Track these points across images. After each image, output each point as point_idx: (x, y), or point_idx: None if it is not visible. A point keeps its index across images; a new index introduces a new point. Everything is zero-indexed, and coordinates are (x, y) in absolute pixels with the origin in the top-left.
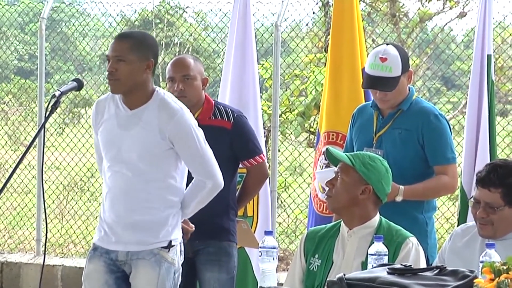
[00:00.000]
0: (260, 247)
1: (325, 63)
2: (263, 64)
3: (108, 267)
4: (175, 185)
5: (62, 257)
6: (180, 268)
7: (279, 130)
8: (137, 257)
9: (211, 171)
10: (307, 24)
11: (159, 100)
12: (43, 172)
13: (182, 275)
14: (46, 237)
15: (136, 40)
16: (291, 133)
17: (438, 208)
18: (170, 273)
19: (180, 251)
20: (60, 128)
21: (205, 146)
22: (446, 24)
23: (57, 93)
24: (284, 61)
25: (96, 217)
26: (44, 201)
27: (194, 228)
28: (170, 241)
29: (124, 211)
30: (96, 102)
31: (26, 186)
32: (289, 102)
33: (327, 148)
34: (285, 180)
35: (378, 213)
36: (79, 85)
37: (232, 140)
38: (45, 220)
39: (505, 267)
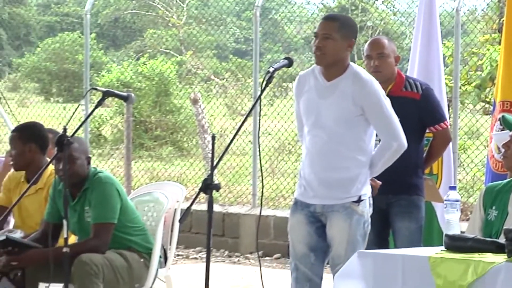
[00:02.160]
0: (445, 200)
1: (499, 42)
2: (445, 43)
3: (308, 219)
4: (365, 146)
5: (274, 209)
6: (369, 219)
7: (459, 100)
8: (332, 210)
9: (396, 134)
10: (482, 9)
11: (353, 73)
12: (259, 137)
13: (377, 224)
14: (262, 192)
15: (341, 21)
16: (469, 102)
17: None
18: (360, 223)
19: (369, 204)
20: (271, 99)
21: (391, 112)
22: None
23: (271, 69)
24: (464, 40)
25: None
26: (260, 161)
27: (379, 184)
28: (360, 196)
29: (321, 170)
30: (298, 76)
31: (243, 149)
32: (467, 76)
33: (502, 115)
34: (465, 143)
35: None
36: (290, 63)
37: (420, 109)
38: (260, 177)
39: None
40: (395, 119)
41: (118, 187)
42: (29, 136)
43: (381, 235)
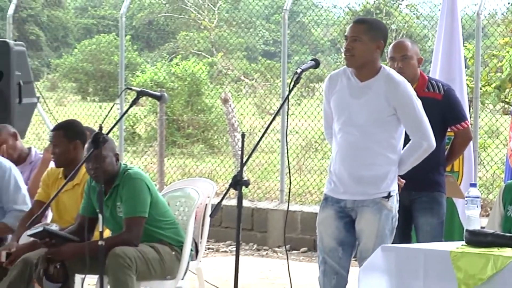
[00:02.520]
0: (466, 197)
1: None
2: (466, 46)
3: (338, 214)
4: (395, 145)
5: (301, 204)
6: (397, 214)
7: (479, 101)
8: (362, 205)
9: (427, 134)
10: (502, 13)
11: (386, 75)
12: (287, 135)
13: (400, 220)
14: (290, 188)
15: (370, 24)
16: (489, 103)
17: None
18: (389, 218)
19: (397, 200)
20: (298, 99)
21: (422, 112)
22: None
23: (298, 70)
24: (484, 43)
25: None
26: (287, 158)
27: (403, 183)
28: (389, 192)
29: (352, 166)
30: (329, 76)
31: (272, 146)
32: (487, 77)
33: None
34: (485, 142)
35: None
36: (317, 64)
37: (442, 109)
38: (288, 174)
39: None
40: (426, 120)
41: (148, 182)
42: (73, 134)
43: (404, 230)
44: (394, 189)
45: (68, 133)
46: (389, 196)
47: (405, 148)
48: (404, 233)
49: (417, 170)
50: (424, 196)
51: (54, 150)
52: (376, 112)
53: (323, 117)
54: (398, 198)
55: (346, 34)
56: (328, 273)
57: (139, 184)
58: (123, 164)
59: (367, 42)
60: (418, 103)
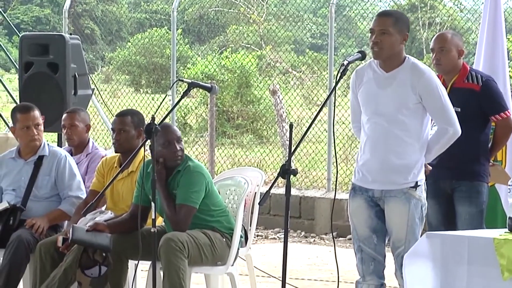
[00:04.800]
0: (509, 185)
1: None
2: (509, 38)
3: (368, 203)
4: (422, 133)
5: (347, 193)
6: (425, 203)
7: None
8: (390, 195)
9: (452, 120)
10: None
11: (410, 64)
12: (333, 126)
13: (444, 206)
14: (336, 177)
15: (396, 17)
16: None
17: None
18: (418, 207)
19: (425, 189)
20: (345, 90)
21: (447, 99)
22: None
23: (345, 62)
24: None
25: None
26: (334, 148)
27: (430, 170)
28: (417, 182)
29: (381, 155)
30: (355, 70)
31: (319, 137)
32: None
33: None
34: None
35: None
36: (363, 56)
37: (480, 99)
38: (335, 163)
39: None
40: (451, 107)
41: (206, 175)
42: (139, 121)
43: (449, 216)
44: (422, 178)
45: (135, 119)
46: (416, 185)
47: (431, 135)
48: (448, 220)
49: (457, 160)
50: (463, 186)
51: (118, 135)
52: (402, 101)
53: (351, 111)
54: (426, 187)
55: (372, 27)
56: (366, 260)
57: (197, 176)
58: (186, 155)
59: (395, 34)
60: (443, 91)
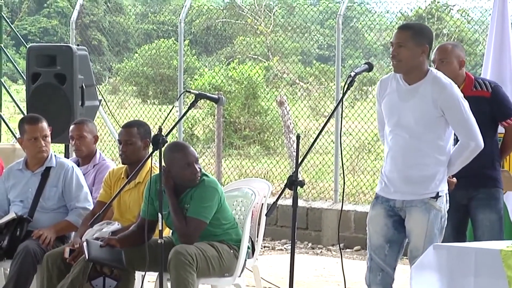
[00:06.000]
0: None
1: None
2: None
3: (387, 213)
4: (443, 146)
5: (354, 204)
6: (446, 214)
7: None
8: (411, 205)
9: (474, 134)
10: None
11: (433, 77)
12: (341, 137)
13: (455, 218)
14: (344, 188)
15: (414, 30)
16: None
17: None
18: (438, 218)
19: (446, 200)
20: (352, 102)
21: (469, 113)
22: None
23: (352, 74)
24: None
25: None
26: (341, 159)
27: (455, 182)
28: (438, 193)
29: (402, 167)
30: (380, 80)
31: (326, 148)
32: None
33: None
34: None
35: None
36: (370, 67)
37: (491, 105)
38: (342, 175)
39: None
40: (473, 120)
41: (220, 191)
42: (146, 132)
43: (459, 229)
44: (443, 189)
45: (141, 130)
46: (437, 196)
47: (453, 149)
48: (459, 232)
49: (473, 167)
50: (481, 193)
51: (124, 146)
52: (424, 114)
53: (377, 120)
54: (448, 198)
55: (391, 40)
56: (373, 270)
57: (211, 191)
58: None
59: (412, 48)
60: (465, 104)
